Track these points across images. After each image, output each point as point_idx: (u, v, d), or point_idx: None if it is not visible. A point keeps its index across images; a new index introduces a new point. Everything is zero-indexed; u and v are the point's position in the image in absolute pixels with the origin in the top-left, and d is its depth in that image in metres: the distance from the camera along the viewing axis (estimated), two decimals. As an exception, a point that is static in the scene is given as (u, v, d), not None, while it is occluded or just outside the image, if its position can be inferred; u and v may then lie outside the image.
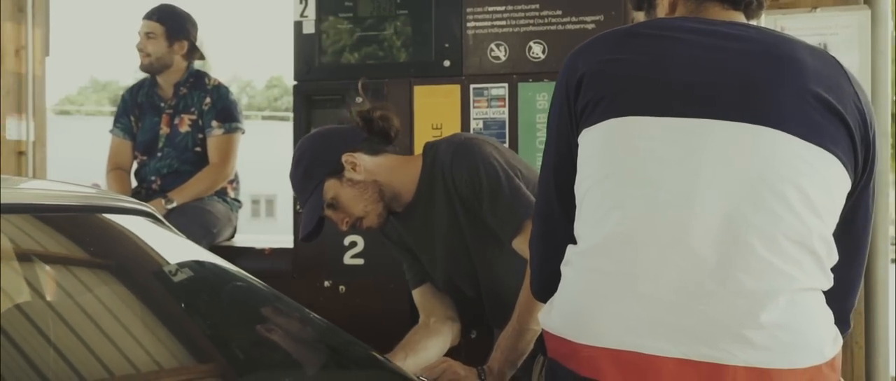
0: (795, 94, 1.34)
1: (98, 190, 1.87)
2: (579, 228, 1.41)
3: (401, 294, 2.91)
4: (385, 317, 2.90)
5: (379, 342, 2.55)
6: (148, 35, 3.38)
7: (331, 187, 2.15)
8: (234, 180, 3.51)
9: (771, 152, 1.31)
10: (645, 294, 1.29)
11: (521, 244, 2.03)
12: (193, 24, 3.49)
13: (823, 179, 1.33)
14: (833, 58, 1.45)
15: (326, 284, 3.07)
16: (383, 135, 2.23)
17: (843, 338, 1.51)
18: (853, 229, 1.44)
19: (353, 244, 3.07)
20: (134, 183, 3.49)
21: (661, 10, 1.55)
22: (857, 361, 2.80)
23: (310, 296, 3.04)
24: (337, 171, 2.14)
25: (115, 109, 3.69)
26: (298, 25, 3.11)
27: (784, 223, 1.29)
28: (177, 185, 3.33)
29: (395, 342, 2.78)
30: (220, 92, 3.43)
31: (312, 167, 2.17)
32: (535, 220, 1.55)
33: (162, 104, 3.44)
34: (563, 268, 1.42)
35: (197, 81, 3.44)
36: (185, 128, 3.39)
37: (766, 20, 2.80)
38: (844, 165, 1.35)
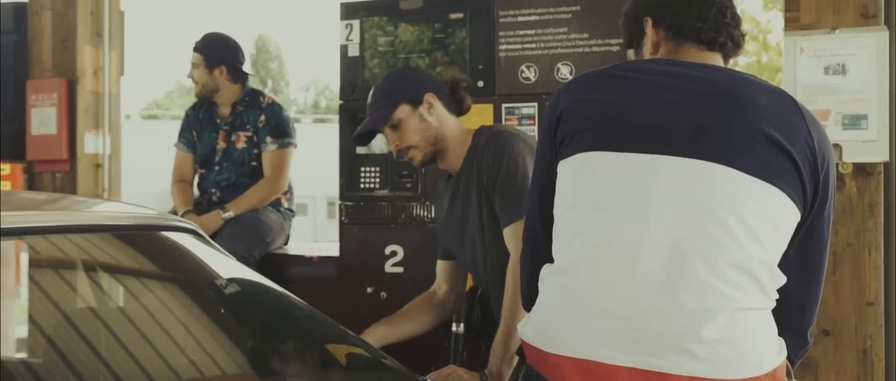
0: (745, 132, 1.48)
1: (150, 211, 2.12)
2: (553, 248, 1.58)
3: (436, 301, 3.10)
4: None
5: (416, 344, 2.75)
6: (193, 65, 3.68)
7: (403, 111, 2.40)
8: (288, 191, 3.74)
9: (716, 186, 1.46)
10: (602, 310, 1.46)
11: (509, 235, 2.25)
12: (233, 49, 3.73)
13: (766, 210, 1.47)
14: (789, 98, 1.58)
15: (369, 290, 3.27)
16: (458, 104, 2.48)
17: (802, 355, 1.64)
18: (808, 254, 1.57)
19: (394, 253, 3.27)
20: (196, 193, 3.75)
21: (647, 50, 1.71)
22: (877, 373, 2.87)
23: (353, 302, 3.25)
24: (416, 101, 2.40)
25: None
26: (344, 48, 3.33)
27: (725, 250, 1.44)
28: (235, 196, 3.58)
29: (431, 346, 2.98)
30: (274, 110, 3.67)
31: (397, 88, 2.43)
32: (524, 239, 1.73)
33: (219, 121, 3.70)
34: (539, 284, 1.59)
35: (252, 99, 3.70)
36: (241, 144, 3.64)
37: (787, 41, 2.90)
38: (791, 198, 1.49)
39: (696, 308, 1.42)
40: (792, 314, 1.57)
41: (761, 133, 1.48)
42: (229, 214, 3.49)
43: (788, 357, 1.57)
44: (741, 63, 16.83)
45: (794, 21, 2.89)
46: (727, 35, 1.67)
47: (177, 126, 3.86)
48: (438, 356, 3.03)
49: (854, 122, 2.80)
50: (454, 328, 2.99)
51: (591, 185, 1.52)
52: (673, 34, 1.67)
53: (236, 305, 2.00)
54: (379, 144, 3.32)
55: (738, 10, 1.74)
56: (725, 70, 1.63)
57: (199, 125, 3.74)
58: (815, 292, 1.61)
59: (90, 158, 4.15)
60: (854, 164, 2.81)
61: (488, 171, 2.31)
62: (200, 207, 3.63)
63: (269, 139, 3.61)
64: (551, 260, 1.59)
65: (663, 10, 1.67)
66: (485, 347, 3.03)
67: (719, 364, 1.42)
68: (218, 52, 3.67)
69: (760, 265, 1.46)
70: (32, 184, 4.13)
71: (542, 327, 1.54)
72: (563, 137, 1.58)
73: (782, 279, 1.51)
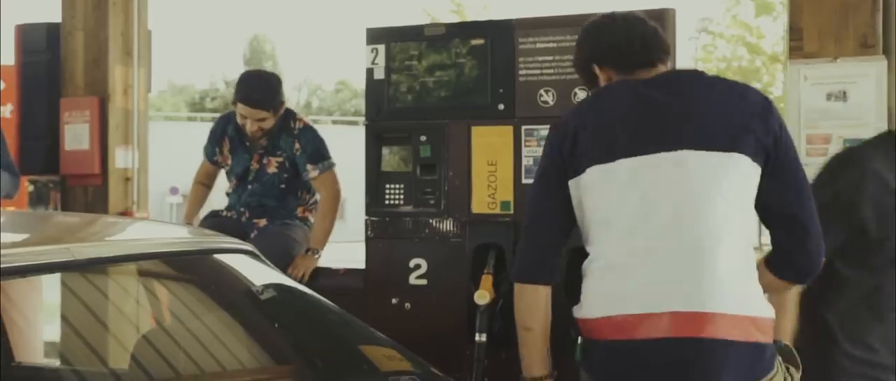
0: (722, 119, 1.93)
1: (208, 234, 2.28)
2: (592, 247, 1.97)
3: (459, 312, 3.26)
4: (445, 332, 3.25)
5: (439, 352, 2.92)
6: (261, 120, 3.60)
7: None
8: (314, 205, 3.85)
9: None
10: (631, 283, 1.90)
11: None
12: (280, 84, 3.74)
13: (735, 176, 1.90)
14: (731, 82, 2.02)
15: (394, 301, 3.40)
16: None
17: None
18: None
19: (418, 266, 3.42)
20: (226, 202, 3.83)
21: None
22: None
23: (379, 312, 3.40)
24: None
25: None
26: (370, 72, 3.48)
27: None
28: (263, 216, 3.71)
29: (454, 354, 3.15)
30: (308, 135, 3.69)
31: None
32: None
33: (248, 143, 3.75)
34: (586, 275, 1.97)
35: (285, 123, 3.72)
36: (272, 169, 3.71)
37: (791, 69, 3.10)
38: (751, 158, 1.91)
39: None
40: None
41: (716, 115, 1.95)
42: (318, 253, 3.62)
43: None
44: (734, 66, 17.11)
45: (798, 50, 3.08)
46: (659, 51, 2.05)
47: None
48: (460, 364, 3.20)
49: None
50: (477, 338, 3.18)
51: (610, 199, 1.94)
52: (618, 69, 2.07)
53: (297, 318, 2.18)
54: (398, 163, 3.49)
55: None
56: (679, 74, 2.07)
57: (229, 143, 3.79)
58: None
59: (121, 173, 4.32)
60: (854, 184, 3.00)
61: None
62: (230, 221, 3.75)
63: (309, 167, 3.65)
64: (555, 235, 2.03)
65: (602, 54, 2.10)
66: (505, 355, 3.21)
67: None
68: (279, 97, 3.67)
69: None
70: (65, 197, 4.29)
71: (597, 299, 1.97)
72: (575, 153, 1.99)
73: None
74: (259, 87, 3.66)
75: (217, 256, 2.23)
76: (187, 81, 42.17)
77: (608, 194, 1.93)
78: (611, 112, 1.97)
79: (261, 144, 3.74)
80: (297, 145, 3.69)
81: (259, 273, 2.26)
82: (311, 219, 3.85)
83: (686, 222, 1.86)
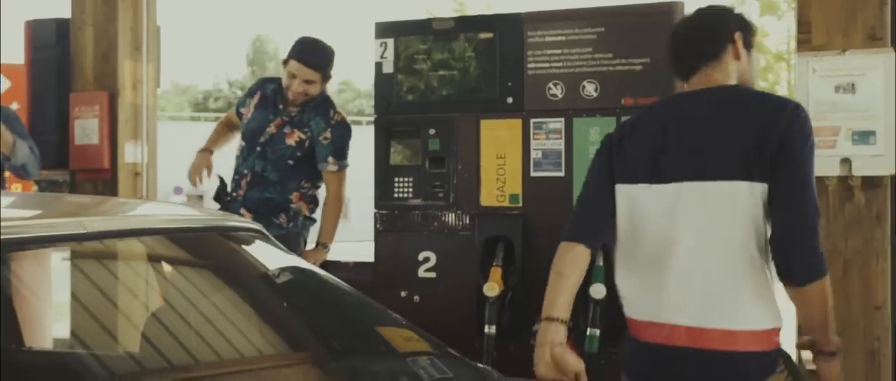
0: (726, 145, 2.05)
1: (215, 213, 2.28)
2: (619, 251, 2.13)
3: (468, 303, 3.27)
4: (454, 324, 3.25)
5: (448, 344, 2.92)
6: (308, 82, 3.59)
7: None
8: (313, 201, 3.79)
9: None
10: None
11: None
12: (334, 55, 3.75)
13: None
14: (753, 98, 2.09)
15: (403, 294, 3.43)
16: None
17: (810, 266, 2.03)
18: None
19: (427, 259, 3.44)
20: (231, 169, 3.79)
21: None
22: (884, 372, 3.05)
23: (387, 305, 3.35)
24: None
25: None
26: (379, 66, 3.50)
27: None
28: (261, 191, 3.65)
29: (463, 346, 3.15)
30: (341, 131, 3.65)
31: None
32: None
33: (281, 107, 3.70)
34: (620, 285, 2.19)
35: (323, 107, 3.66)
36: (291, 141, 3.65)
37: (799, 61, 3.09)
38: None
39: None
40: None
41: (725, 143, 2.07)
42: (327, 247, 3.62)
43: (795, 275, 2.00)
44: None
45: (807, 42, 3.08)
46: (693, 59, 2.14)
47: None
48: (469, 355, 3.20)
49: (863, 137, 2.99)
50: (486, 330, 3.19)
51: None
52: (681, 79, 2.21)
53: (309, 298, 2.19)
54: (406, 157, 3.50)
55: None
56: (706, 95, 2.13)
57: (261, 97, 3.73)
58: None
59: (130, 167, 4.33)
60: (863, 177, 3.00)
61: None
62: (225, 204, 3.71)
63: (330, 159, 3.63)
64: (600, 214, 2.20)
65: (671, 70, 2.24)
66: (514, 348, 3.22)
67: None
68: (330, 64, 3.69)
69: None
70: (74, 192, 4.30)
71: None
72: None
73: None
74: (315, 49, 3.68)
75: (228, 238, 2.24)
76: (191, 82, 42.22)
77: (629, 212, 2.12)
78: (638, 137, 2.14)
79: (290, 113, 3.68)
80: (328, 134, 3.64)
81: (272, 255, 2.27)
82: (305, 210, 3.76)
83: (691, 246, 2.03)
